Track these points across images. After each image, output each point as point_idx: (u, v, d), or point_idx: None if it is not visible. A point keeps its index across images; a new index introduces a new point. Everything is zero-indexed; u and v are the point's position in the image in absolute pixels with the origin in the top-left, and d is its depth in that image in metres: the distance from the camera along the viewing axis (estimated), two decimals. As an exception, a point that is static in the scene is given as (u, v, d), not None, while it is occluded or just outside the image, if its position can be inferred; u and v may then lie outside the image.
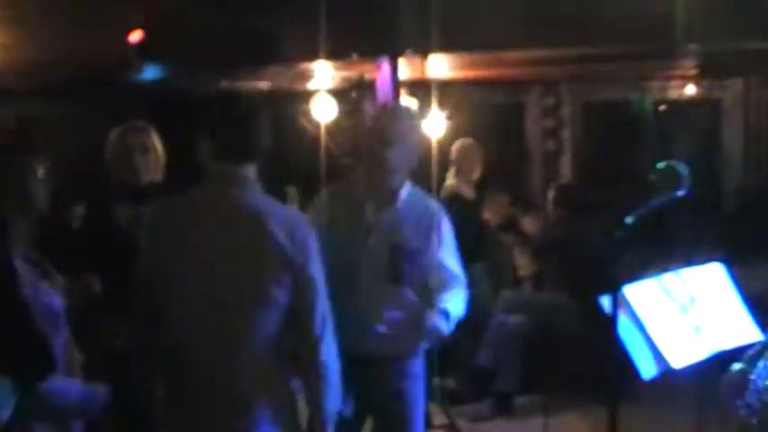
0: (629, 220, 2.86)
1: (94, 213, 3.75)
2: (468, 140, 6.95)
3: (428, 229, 3.48)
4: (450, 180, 6.80)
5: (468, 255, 6.37)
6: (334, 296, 3.12)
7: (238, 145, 2.65)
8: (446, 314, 3.48)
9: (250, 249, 2.60)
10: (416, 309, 3.42)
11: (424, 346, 3.61)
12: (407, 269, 3.39)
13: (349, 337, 3.11)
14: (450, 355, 6.09)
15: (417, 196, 3.53)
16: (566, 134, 8.67)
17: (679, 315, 3.60)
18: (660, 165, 2.54)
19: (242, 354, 2.60)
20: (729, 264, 3.93)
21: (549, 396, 5.69)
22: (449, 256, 3.59)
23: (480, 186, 6.90)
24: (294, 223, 2.67)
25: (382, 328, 3.41)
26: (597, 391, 3.42)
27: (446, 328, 3.47)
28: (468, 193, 6.74)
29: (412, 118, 3.59)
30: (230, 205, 2.63)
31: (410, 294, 3.42)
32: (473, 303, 6.33)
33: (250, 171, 2.67)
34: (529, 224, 6.91)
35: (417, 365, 3.58)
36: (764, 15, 5.66)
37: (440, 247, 3.52)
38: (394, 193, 3.43)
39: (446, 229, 3.57)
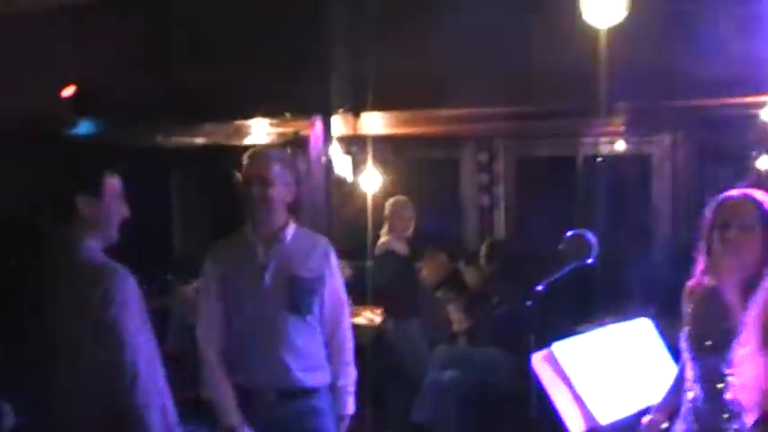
0: (539, 288, 2.96)
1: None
2: (401, 198, 7.01)
3: (320, 262, 3.69)
4: (384, 236, 6.85)
5: (403, 311, 6.46)
6: (249, 339, 3.55)
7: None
8: (350, 393, 3.78)
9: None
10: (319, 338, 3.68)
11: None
12: (307, 299, 3.61)
13: (267, 374, 3.54)
14: (385, 410, 6.08)
15: (304, 233, 3.75)
16: (499, 189, 8.78)
17: (607, 371, 3.65)
18: (569, 234, 2.60)
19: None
20: (659, 317, 4.01)
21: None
22: (339, 285, 3.79)
23: (413, 242, 6.95)
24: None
25: (293, 360, 3.58)
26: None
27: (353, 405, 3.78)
28: (402, 249, 6.79)
29: (282, 159, 3.73)
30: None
31: (314, 323, 3.64)
32: (409, 359, 6.39)
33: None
34: (471, 277, 6.97)
35: (323, 400, 3.71)
36: (689, 74, 5.84)
37: (332, 278, 3.72)
38: (279, 231, 3.64)
39: (334, 261, 3.77)
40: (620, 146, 8.13)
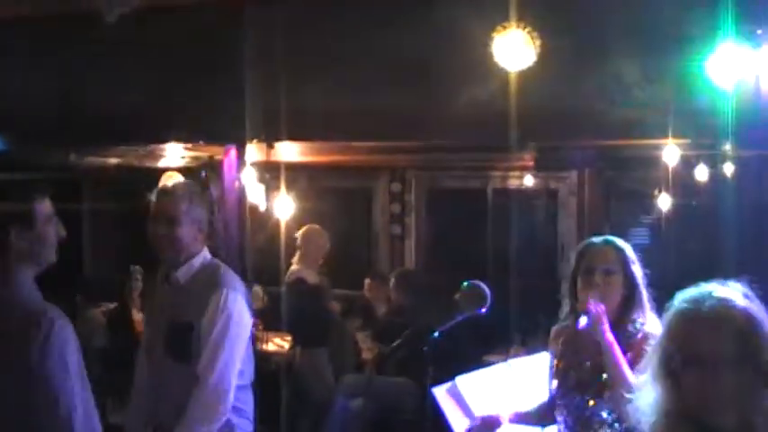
0: (436, 334, 3.07)
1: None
2: (314, 226, 7.07)
3: (205, 305, 3.40)
4: (296, 265, 6.89)
5: (312, 339, 6.49)
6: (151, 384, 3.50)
7: None
8: None
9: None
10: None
11: None
12: (189, 345, 3.38)
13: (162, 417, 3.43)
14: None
15: (209, 272, 3.51)
16: (411, 219, 8.92)
17: (508, 403, 3.75)
18: (464, 285, 2.71)
19: None
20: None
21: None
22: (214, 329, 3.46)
23: (324, 272, 7.02)
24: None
25: (175, 406, 3.39)
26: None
27: None
28: (312, 277, 6.83)
29: (191, 196, 3.54)
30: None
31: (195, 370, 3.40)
32: (316, 386, 6.42)
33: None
34: (380, 306, 7.06)
35: None
36: (596, 116, 6.05)
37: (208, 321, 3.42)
38: (176, 269, 3.48)
39: (219, 304, 3.43)
40: (529, 181, 8.34)
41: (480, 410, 3.61)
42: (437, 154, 7.92)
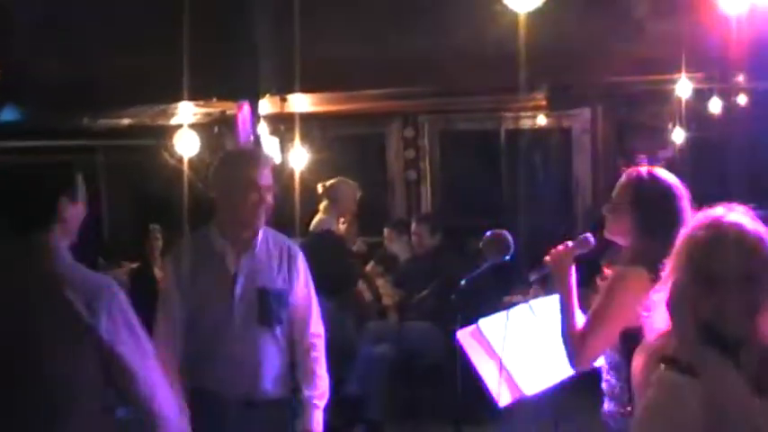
0: (462, 283, 3.07)
1: None
2: (344, 179, 7.04)
3: (290, 271, 3.51)
4: (322, 214, 6.87)
5: (336, 287, 6.53)
6: (214, 347, 3.36)
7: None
8: (316, 406, 3.55)
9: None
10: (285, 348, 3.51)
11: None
12: (276, 310, 3.44)
13: (230, 382, 3.35)
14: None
15: (273, 238, 3.54)
16: (425, 164, 8.94)
17: (531, 344, 3.80)
18: (488, 234, 2.72)
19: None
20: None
21: (419, 422, 5.85)
22: (309, 293, 3.63)
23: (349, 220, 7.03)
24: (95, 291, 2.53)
25: (258, 370, 3.43)
26: (467, 414, 3.62)
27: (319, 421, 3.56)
28: (339, 228, 6.84)
29: (269, 164, 3.60)
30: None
31: (281, 334, 3.48)
32: (341, 333, 6.49)
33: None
34: (401, 251, 7.10)
35: (283, 411, 3.57)
36: (608, 53, 6.03)
37: (302, 286, 3.56)
38: (252, 238, 3.45)
39: (304, 268, 3.59)
40: (542, 120, 8.34)
41: (504, 352, 3.67)
42: (449, 98, 7.92)
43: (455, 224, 8.17)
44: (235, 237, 3.46)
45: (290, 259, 3.53)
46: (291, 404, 3.58)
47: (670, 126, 6.90)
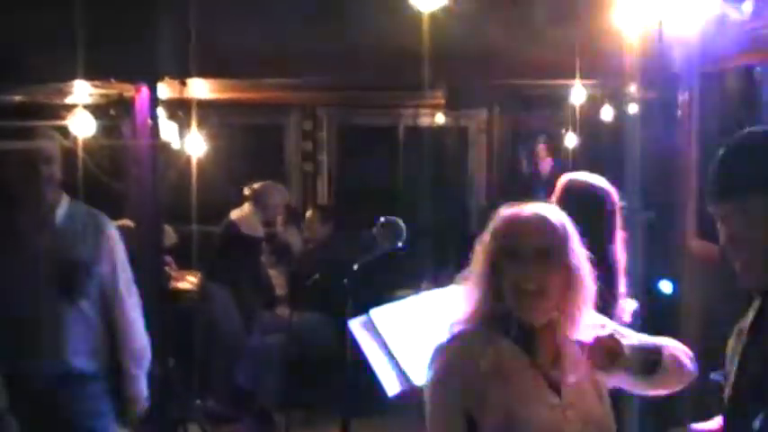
0: (355, 267, 3.11)
1: None
2: (275, 185, 7.04)
3: (97, 244, 3.53)
4: (241, 211, 6.83)
5: (225, 277, 6.50)
6: (17, 324, 3.38)
7: None
8: (135, 375, 3.65)
9: None
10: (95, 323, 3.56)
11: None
12: (80, 282, 3.48)
13: (36, 360, 3.41)
14: (208, 374, 6.15)
15: (78, 210, 3.59)
16: (323, 157, 8.97)
17: (422, 335, 3.87)
18: (381, 220, 2.78)
19: None
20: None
21: (311, 413, 5.87)
22: (123, 271, 3.64)
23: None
24: None
25: (64, 345, 3.46)
26: (356, 405, 3.66)
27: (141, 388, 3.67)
28: (252, 227, 6.80)
29: (52, 135, 3.64)
30: None
31: (90, 307, 3.53)
32: (229, 326, 6.46)
33: None
34: (295, 242, 7.11)
35: (98, 385, 3.61)
36: (506, 56, 6.17)
37: (110, 259, 3.58)
38: (52, 208, 3.50)
39: (115, 241, 3.62)
40: (440, 119, 8.48)
41: (396, 343, 3.73)
42: (349, 92, 7.96)
43: (350, 217, 8.24)
44: (33, 207, 3.49)
45: (98, 232, 3.56)
46: (111, 377, 3.63)
47: (563, 131, 7.09)
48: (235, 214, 6.81)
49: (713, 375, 2.54)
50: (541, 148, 8.11)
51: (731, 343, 2.14)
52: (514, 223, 2.12)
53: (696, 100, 5.92)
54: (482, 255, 2.14)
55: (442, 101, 7.84)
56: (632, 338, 2.23)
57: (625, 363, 2.14)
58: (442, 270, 6.48)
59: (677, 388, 2.28)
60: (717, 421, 2.19)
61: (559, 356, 2.12)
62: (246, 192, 6.87)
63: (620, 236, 3.82)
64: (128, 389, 3.65)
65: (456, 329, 2.17)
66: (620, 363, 2.13)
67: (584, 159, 7.26)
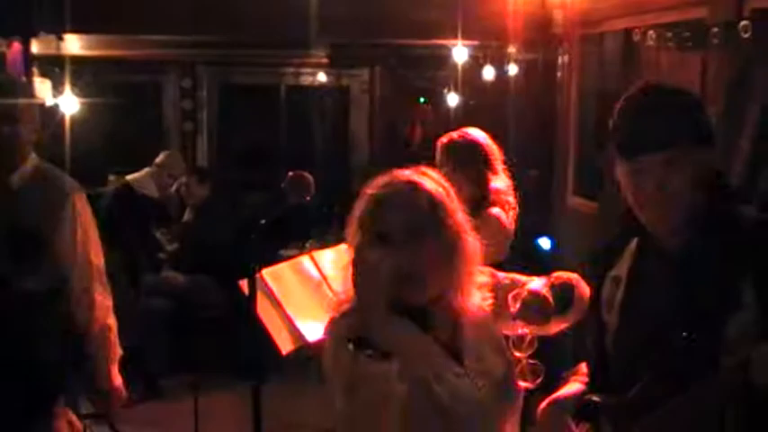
0: (263, 222, 3.03)
1: None
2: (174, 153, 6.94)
3: (57, 213, 3.22)
4: (138, 175, 6.70)
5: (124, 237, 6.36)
6: None
7: None
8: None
9: None
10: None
11: None
12: (30, 254, 3.15)
13: None
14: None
15: (47, 174, 3.28)
16: (203, 116, 8.82)
17: (312, 292, 3.89)
18: (290, 174, 2.75)
19: None
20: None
21: (199, 376, 5.81)
22: (90, 243, 3.35)
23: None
24: None
25: None
26: (244, 368, 3.65)
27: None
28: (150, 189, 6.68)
29: (26, 93, 3.33)
30: None
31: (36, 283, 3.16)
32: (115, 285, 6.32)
33: None
34: (175, 203, 7.03)
35: None
36: (389, 16, 6.18)
37: (74, 233, 3.27)
38: (11, 172, 3.19)
39: (85, 212, 3.33)
40: (322, 77, 8.45)
41: (286, 299, 3.74)
42: (230, 49, 7.84)
43: (231, 177, 8.17)
44: None
45: (64, 204, 3.25)
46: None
47: (445, 90, 7.15)
48: (131, 176, 6.68)
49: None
50: (421, 111, 8.25)
51: (607, 290, 2.19)
52: (378, 208, 1.95)
53: (576, 62, 6.08)
54: (352, 241, 1.98)
55: (325, 59, 7.81)
56: (534, 281, 2.24)
57: (553, 311, 2.16)
58: (327, 229, 6.50)
59: (579, 318, 2.29)
60: (576, 386, 2.25)
61: (457, 325, 2.05)
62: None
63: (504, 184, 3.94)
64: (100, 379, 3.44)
65: (346, 308, 1.99)
66: (552, 313, 2.16)
67: (465, 119, 7.37)
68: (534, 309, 2.13)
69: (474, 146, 3.91)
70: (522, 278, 2.27)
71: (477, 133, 3.96)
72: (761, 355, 1.76)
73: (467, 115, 6.66)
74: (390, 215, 1.94)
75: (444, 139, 3.98)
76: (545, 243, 6.21)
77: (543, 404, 2.20)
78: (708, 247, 1.99)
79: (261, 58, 8.39)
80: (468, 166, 3.85)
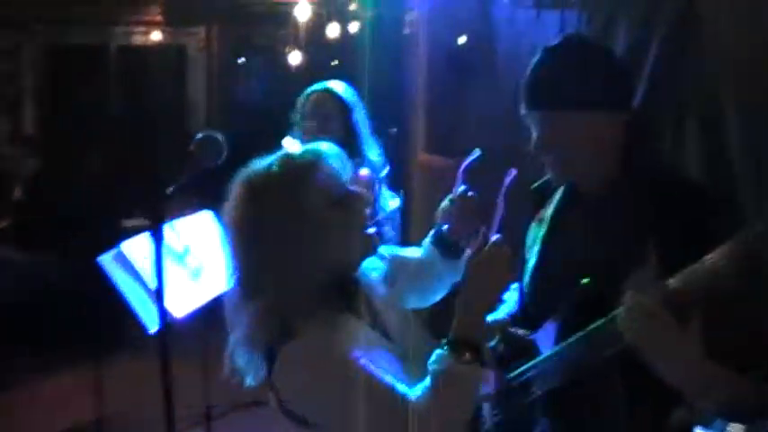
0: (170, 190, 2.79)
1: None
2: None
3: None
4: None
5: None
6: None
7: None
8: None
9: None
10: None
11: None
12: None
13: None
14: None
15: None
16: (28, 80, 8.28)
17: (176, 265, 3.70)
18: (200, 136, 2.53)
19: None
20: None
21: (57, 354, 5.51)
22: None
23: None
24: None
25: None
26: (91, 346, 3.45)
27: None
28: None
29: None
30: None
31: None
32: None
33: None
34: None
35: None
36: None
37: None
38: None
39: None
40: (156, 36, 8.09)
41: (149, 275, 3.54)
42: (54, 6, 7.38)
43: (61, 143, 7.74)
44: None
45: None
46: None
47: (287, 49, 6.99)
48: None
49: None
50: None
51: (532, 232, 2.25)
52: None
53: (424, 18, 6.04)
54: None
55: (159, 17, 7.49)
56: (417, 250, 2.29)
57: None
58: (171, 198, 6.25)
59: None
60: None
61: (369, 303, 2.01)
62: None
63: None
64: None
65: None
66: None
67: (309, 76, 7.23)
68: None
69: (340, 99, 3.73)
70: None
71: (341, 86, 3.79)
72: (627, 310, 1.76)
73: (313, 74, 6.52)
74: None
75: (311, 94, 3.75)
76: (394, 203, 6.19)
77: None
78: (620, 202, 2.02)
79: (89, 16, 7.92)
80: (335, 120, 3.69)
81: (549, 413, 2.01)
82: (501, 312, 2.31)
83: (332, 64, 6.87)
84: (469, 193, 2.22)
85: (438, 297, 2.37)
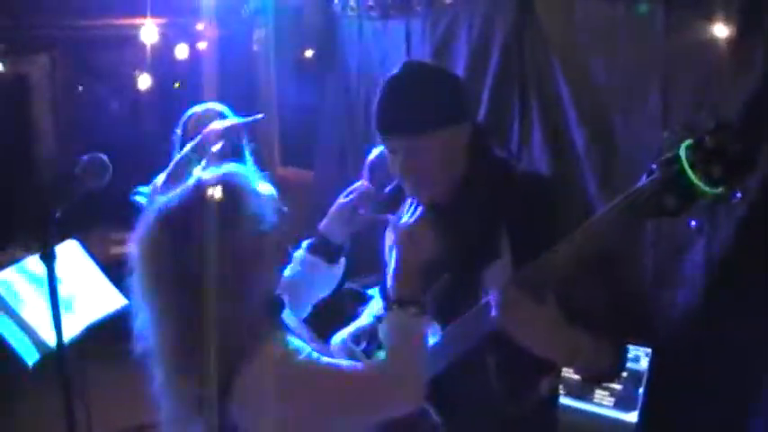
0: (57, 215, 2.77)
1: None
2: None
3: None
4: None
5: None
6: None
7: None
8: None
9: None
10: None
11: None
12: None
13: None
14: None
15: None
16: None
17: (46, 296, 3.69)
18: (84, 158, 2.56)
19: None
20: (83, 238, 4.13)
21: None
22: None
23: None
24: None
25: None
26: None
27: None
28: None
29: None
30: None
31: None
32: None
33: None
34: None
35: None
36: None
37: None
38: None
39: None
40: (-4, 67, 7.86)
41: (20, 307, 3.52)
42: None
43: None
44: None
45: None
46: None
47: (136, 72, 6.94)
48: None
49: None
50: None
51: (388, 238, 2.34)
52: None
53: (271, 35, 6.16)
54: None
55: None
56: None
57: None
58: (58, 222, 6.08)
59: None
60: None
61: None
62: None
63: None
64: None
65: None
66: None
67: (159, 99, 7.21)
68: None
69: (223, 117, 3.74)
70: None
71: (219, 105, 3.84)
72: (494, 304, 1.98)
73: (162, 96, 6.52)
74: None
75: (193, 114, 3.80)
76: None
77: None
78: (469, 202, 2.14)
79: None
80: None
81: (432, 399, 2.09)
82: (368, 318, 2.42)
83: (174, 86, 6.87)
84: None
85: (316, 300, 2.48)
